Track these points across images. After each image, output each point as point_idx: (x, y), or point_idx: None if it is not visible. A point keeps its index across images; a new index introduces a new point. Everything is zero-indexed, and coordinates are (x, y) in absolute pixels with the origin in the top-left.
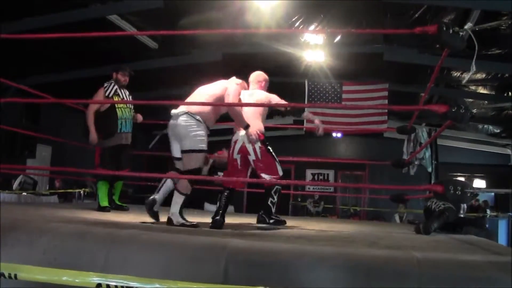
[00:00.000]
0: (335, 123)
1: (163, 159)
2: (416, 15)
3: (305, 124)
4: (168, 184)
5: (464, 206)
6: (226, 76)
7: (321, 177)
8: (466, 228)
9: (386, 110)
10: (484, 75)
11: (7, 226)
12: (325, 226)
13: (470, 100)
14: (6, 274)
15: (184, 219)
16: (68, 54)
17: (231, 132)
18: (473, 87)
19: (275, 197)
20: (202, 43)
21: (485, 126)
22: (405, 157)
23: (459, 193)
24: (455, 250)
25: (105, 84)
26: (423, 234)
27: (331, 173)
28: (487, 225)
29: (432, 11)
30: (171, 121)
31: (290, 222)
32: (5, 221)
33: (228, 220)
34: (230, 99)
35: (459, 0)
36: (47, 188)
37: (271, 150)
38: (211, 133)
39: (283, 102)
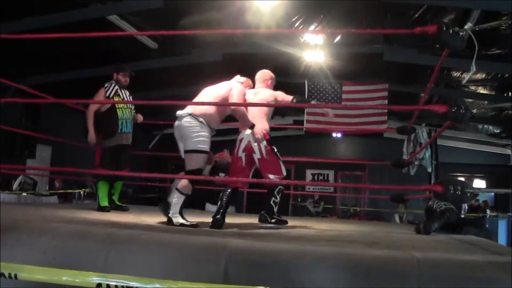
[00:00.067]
0: (335, 123)
1: (163, 159)
2: (416, 15)
3: (305, 125)
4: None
5: (465, 206)
6: (226, 76)
7: (321, 177)
8: (466, 228)
9: (386, 110)
10: (484, 75)
11: (7, 226)
12: (325, 226)
13: (470, 100)
14: (6, 274)
15: (184, 219)
16: (68, 54)
17: (233, 132)
18: (473, 87)
19: (278, 197)
20: (202, 43)
21: (485, 126)
22: (405, 157)
23: (459, 193)
24: (455, 250)
25: (106, 85)
26: (423, 234)
27: (331, 173)
28: (487, 225)
29: (432, 11)
30: (176, 122)
31: (290, 222)
32: (5, 221)
33: (228, 220)
34: (234, 100)
35: (459, 0)
36: (47, 188)
37: (276, 150)
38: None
39: (288, 98)
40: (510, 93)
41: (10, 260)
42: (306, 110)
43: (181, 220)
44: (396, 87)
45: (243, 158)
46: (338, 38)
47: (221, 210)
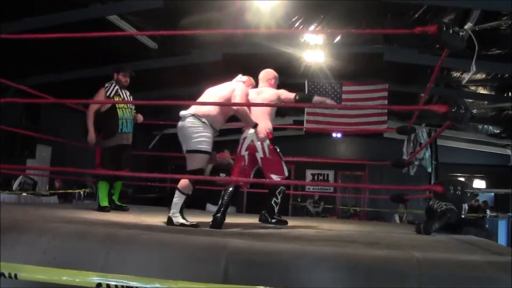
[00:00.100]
0: (335, 124)
1: (163, 159)
2: (416, 15)
3: (305, 125)
4: None
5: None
6: (226, 76)
7: (321, 178)
8: (466, 229)
9: (386, 110)
10: (484, 76)
11: (7, 226)
12: (325, 226)
13: (470, 100)
14: (6, 274)
15: (184, 219)
16: (68, 54)
17: (233, 132)
18: (473, 88)
19: (279, 198)
20: (202, 43)
21: (485, 126)
22: (405, 157)
23: (459, 193)
24: (455, 250)
25: (106, 85)
26: (423, 235)
27: (331, 174)
28: (487, 225)
29: (432, 11)
30: (179, 123)
31: (290, 222)
32: (5, 221)
33: (228, 220)
34: (237, 100)
35: (459, 0)
36: (47, 188)
37: (278, 150)
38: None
39: (292, 94)
40: (510, 93)
41: (10, 260)
42: (306, 110)
43: (181, 220)
44: (396, 87)
45: (246, 157)
46: (338, 38)
47: (222, 209)
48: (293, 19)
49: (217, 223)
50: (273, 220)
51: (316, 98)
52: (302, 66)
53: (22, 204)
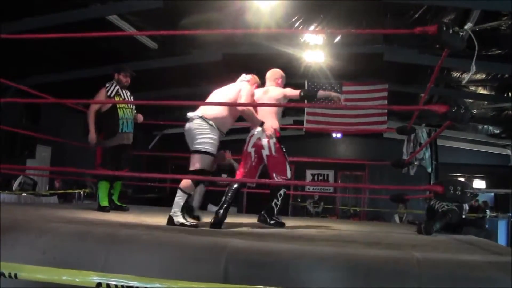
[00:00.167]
0: (335, 124)
1: (163, 159)
2: (416, 15)
3: (305, 125)
4: (199, 187)
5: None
6: (226, 76)
7: (321, 178)
8: (466, 229)
9: (386, 110)
10: (484, 76)
11: (7, 226)
12: (325, 226)
13: (470, 100)
14: (6, 274)
15: (185, 219)
16: (68, 54)
17: (234, 132)
18: (473, 88)
19: (279, 200)
20: (202, 43)
21: (485, 126)
22: (405, 157)
23: (459, 193)
24: (455, 250)
25: (107, 85)
26: (424, 235)
27: (331, 174)
28: (486, 226)
29: (432, 11)
30: (187, 124)
31: (290, 222)
32: (5, 221)
33: (228, 220)
34: (242, 100)
35: (459, 0)
36: (47, 188)
37: (284, 150)
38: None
39: (296, 92)
40: (510, 93)
41: (10, 260)
42: (306, 110)
43: (181, 220)
44: (396, 87)
45: (252, 154)
46: (338, 38)
47: (225, 205)
48: (293, 19)
49: (219, 219)
50: (272, 222)
51: (320, 93)
52: (302, 66)
53: (22, 204)
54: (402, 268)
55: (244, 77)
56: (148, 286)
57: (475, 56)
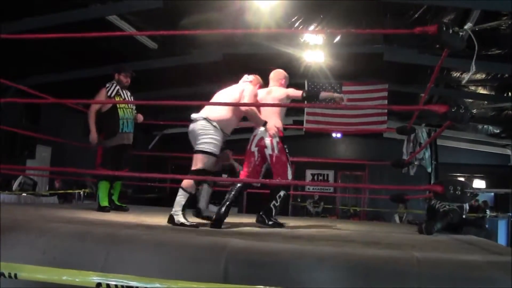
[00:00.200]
0: (335, 124)
1: (163, 159)
2: (416, 15)
3: (305, 125)
4: (204, 187)
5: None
6: (227, 76)
7: (320, 178)
8: (466, 228)
9: (386, 110)
10: (484, 76)
11: (7, 226)
12: (325, 226)
13: (470, 100)
14: (6, 274)
15: (185, 218)
16: (68, 54)
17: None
18: (473, 88)
19: (279, 201)
20: (202, 43)
21: (485, 126)
22: (404, 157)
23: (459, 193)
24: (455, 250)
25: (107, 85)
26: (425, 234)
27: (331, 174)
28: (486, 225)
29: (432, 11)
30: (190, 125)
31: (290, 222)
32: (5, 221)
33: (228, 220)
34: (245, 100)
35: (459, 0)
36: (47, 188)
37: (287, 151)
38: None
39: (299, 92)
40: (510, 93)
41: (10, 260)
42: (306, 110)
43: (182, 220)
44: (396, 87)
45: (256, 153)
46: (338, 38)
47: (227, 203)
48: (293, 19)
49: (220, 216)
50: (270, 223)
51: (323, 94)
52: (302, 66)
53: (22, 204)
54: (402, 268)
55: (246, 77)
56: (148, 286)
57: (475, 56)
